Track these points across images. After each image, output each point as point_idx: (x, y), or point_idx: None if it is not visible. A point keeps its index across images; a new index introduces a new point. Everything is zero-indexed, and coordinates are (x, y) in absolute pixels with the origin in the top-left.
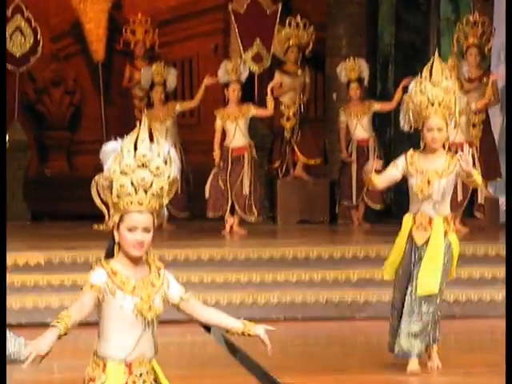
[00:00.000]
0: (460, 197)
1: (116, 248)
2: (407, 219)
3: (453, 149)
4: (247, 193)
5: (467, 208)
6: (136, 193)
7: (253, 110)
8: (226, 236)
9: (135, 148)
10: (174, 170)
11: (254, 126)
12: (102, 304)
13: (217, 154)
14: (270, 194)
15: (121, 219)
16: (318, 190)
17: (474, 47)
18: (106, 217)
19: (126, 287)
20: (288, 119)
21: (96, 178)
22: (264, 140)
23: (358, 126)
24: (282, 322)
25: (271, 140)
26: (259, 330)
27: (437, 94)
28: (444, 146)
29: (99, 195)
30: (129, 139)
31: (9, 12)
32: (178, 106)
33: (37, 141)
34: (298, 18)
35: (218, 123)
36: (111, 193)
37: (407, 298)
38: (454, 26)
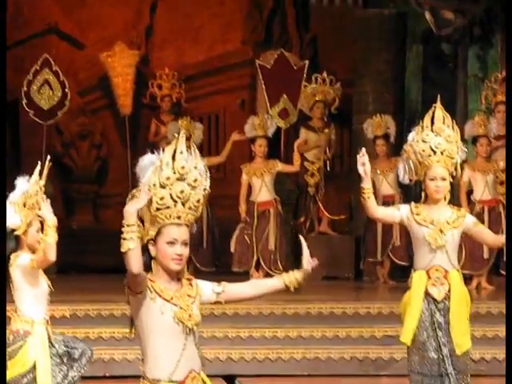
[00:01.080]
0: (486, 255)
1: (153, 263)
2: (420, 276)
3: (479, 207)
4: (273, 248)
5: (493, 266)
6: (175, 206)
7: (279, 166)
8: None
9: (174, 160)
10: (208, 183)
11: (279, 181)
12: (143, 313)
13: (242, 208)
14: (295, 250)
15: (158, 233)
16: (343, 245)
17: (503, 104)
18: (141, 232)
19: (164, 294)
20: (312, 175)
21: (134, 191)
22: (289, 195)
23: (384, 182)
24: (306, 378)
25: (296, 196)
26: (302, 269)
27: (439, 142)
28: (445, 198)
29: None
30: (167, 152)
31: (37, 65)
32: (205, 161)
33: (63, 194)
34: (325, 74)
35: (244, 178)
36: (149, 206)
37: (447, 360)
38: (481, 82)
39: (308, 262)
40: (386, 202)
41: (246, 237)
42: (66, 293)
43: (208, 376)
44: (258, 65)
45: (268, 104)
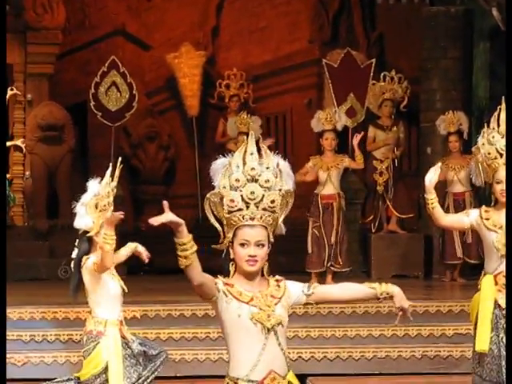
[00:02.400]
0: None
1: (232, 264)
2: (488, 281)
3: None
4: (333, 242)
5: None
6: (247, 207)
7: (346, 162)
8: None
9: (244, 162)
10: (285, 183)
11: (347, 180)
12: (223, 315)
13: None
14: (363, 249)
15: (234, 235)
16: (412, 244)
17: None
18: (221, 234)
19: (242, 297)
20: (381, 174)
21: (208, 195)
22: (357, 194)
23: (455, 179)
24: (377, 376)
25: (365, 194)
26: (395, 289)
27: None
28: None
29: (213, 213)
30: (237, 154)
31: (105, 67)
32: None
33: (132, 195)
34: (393, 72)
35: (309, 165)
36: (223, 209)
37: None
38: None
39: (401, 301)
40: (456, 199)
41: (315, 230)
42: (137, 294)
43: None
44: (324, 64)
45: (335, 103)
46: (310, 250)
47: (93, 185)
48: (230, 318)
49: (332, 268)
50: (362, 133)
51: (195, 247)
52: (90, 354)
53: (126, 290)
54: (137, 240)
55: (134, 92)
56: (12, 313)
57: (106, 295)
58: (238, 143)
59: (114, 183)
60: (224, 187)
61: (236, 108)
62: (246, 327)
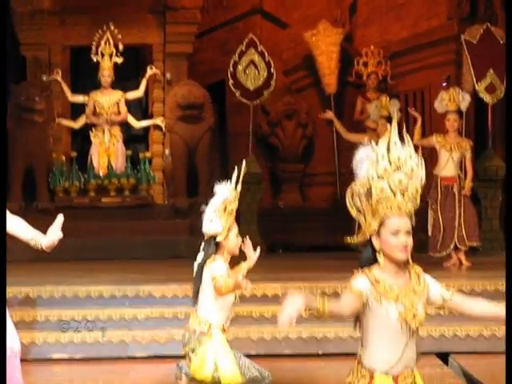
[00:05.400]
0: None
1: (379, 255)
2: None
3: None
4: (456, 225)
5: None
6: (394, 196)
7: (468, 153)
8: (449, 268)
9: (388, 151)
10: (424, 173)
11: (488, 156)
12: (367, 313)
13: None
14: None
15: (381, 225)
16: None
17: None
18: (363, 226)
19: (390, 295)
20: None
21: (352, 185)
22: (497, 171)
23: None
24: None
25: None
26: None
27: None
28: None
29: (354, 204)
30: (382, 143)
31: (243, 46)
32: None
33: (270, 173)
34: None
35: (432, 139)
36: (369, 199)
37: None
38: None
39: None
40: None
41: (432, 213)
42: (277, 271)
43: (422, 353)
44: (463, 40)
45: (474, 79)
46: (429, 233)
47: (221, 189)
48: (378, 316)
49: (461, 247)
50: None
51: (327, 304)
52: (193, 351)
53: (238, 301)
54: (275, 217)
55: (271, 70)
56: (155, 290)
57: (220, 300)
58: (378, 126)
59: (239, 187)
60: (372, 177)
61: (374, 85)
62: (391, 325)
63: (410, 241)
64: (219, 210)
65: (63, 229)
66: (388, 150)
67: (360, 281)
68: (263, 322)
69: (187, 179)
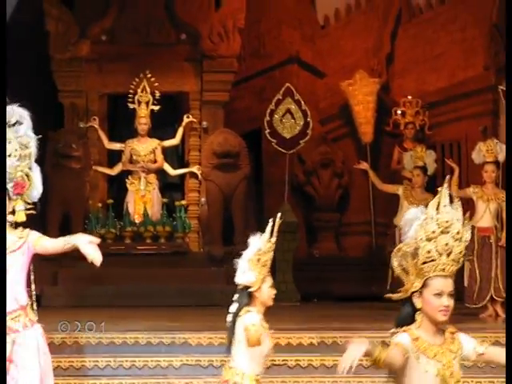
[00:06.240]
0: None
1: (418, 314)
2: None
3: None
4: (493, 275)
5: None
6: (440, 258)
7: (503, 204)
8: (485, 319)
9: (438, 213)
10: (469, 235)
11: None
12: (406, 369)
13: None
14: None
15: (424, 285)
16: None
17: None
18: (406, 284)
19: (428, 352)
20: None
21: (401, 245)
22: None
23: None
24: None
25: None
26: None
27: None
28: None
29: (399, 264)
30: (431, 205)
31: (280, 95)
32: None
33: (305, 222)
34: None
35: (470, 190)
36: (414, 259)
37: None
38: None
39: None
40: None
41: (469, 264)
42: (313, 320)
43: None
44: (500, 90)
45: None
46: (466, 284)
47: (255, 240)
48: (416, 372)
49: (497, 298)
50: None
51: (384, 352)
52: None
53: (271, 351)
54: (310, 266)
55: (308, 119)
56: (191, 338)
57: (253, 351)
58: (413, 176)
59: (274, 238)
60: (421, 238)
61: (411, 135)
62: (429, 382)
63: (451, 303)
64: (253, 260)
65: (99, 276)
66: (437, 211)
67: (403, 337)
68: (299, 371)
69: (223, 227)
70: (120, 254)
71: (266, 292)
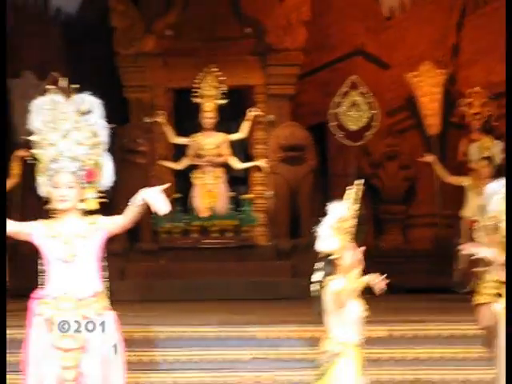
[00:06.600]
0: None
1: None
2: None
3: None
4: None
5: None
6: None
7: None
8: None
9: None
10: None
11: None
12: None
13: None
14: None
15: None
16: None
17: None
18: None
19: None
20: None
21: (485, 220)
22: None
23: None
24: None
25: None
26: None
27: None
28: None
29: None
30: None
31: (345, 87)
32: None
33: (372, 215)
34: None
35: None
36: (496, 233)
37: None
38: None
39: None
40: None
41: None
42: (381, 313)
43: None
44: None
45: None
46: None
47: (337, 207)
48: None
49: None
50: None
51: None
52: (325, 372)
53: (365, 313)
54: (376, 259)
55: (374, 111)
56: (258, 332)
57: (345, 317)
58: (480, 167)
59: (357, 205)
60: (501, 212)
61: (478, 126)
62: None
63: None
64: (334, 227)
65: (166, 270)
66: None
67: None
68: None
69: (289, 220)
70: (187, 248)
71: (349, 260)
